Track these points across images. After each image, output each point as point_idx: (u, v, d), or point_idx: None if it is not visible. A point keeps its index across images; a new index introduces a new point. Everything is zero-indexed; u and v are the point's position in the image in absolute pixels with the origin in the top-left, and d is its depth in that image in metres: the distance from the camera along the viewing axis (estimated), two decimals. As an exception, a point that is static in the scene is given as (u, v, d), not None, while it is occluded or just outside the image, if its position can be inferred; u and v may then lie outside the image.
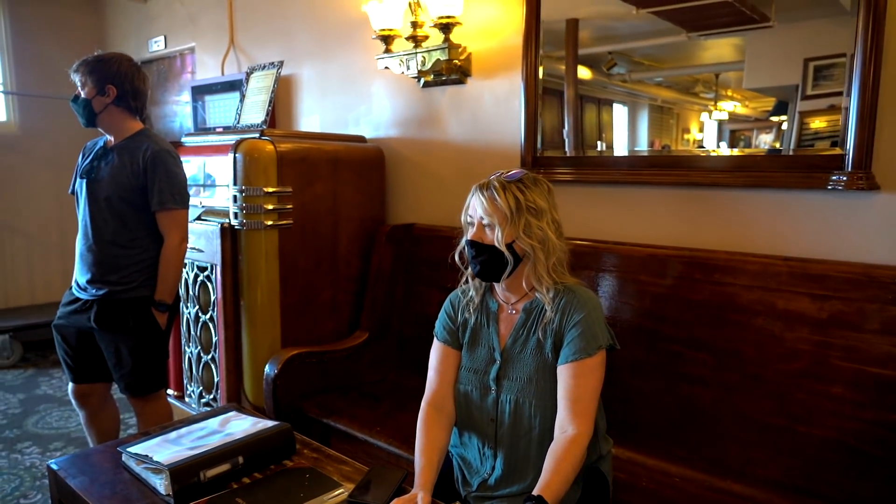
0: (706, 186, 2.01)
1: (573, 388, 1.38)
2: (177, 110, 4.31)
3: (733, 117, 2.03)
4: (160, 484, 1.40)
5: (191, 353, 2.75)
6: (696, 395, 1.90)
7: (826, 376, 1.70)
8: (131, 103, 2.19)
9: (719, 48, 2.07)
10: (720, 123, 2.07)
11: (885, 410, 1.62)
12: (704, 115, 2.10)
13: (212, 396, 2.67)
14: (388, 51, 2.62)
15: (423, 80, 2.68)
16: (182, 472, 1.37)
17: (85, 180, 2.19)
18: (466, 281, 1.59)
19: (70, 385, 2.34)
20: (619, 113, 2.35)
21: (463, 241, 1.53)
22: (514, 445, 1.48)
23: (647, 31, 2.19)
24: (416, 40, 2.51)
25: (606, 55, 2.28)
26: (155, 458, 1.43)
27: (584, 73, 2.33)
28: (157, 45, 4.25)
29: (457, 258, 1.58)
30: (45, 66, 4.56)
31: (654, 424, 1.96)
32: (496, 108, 2.50)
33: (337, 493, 1.36)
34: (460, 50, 2.48)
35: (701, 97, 2.10)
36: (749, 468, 1.79)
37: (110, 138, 2.23)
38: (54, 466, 1.54)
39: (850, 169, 1.72)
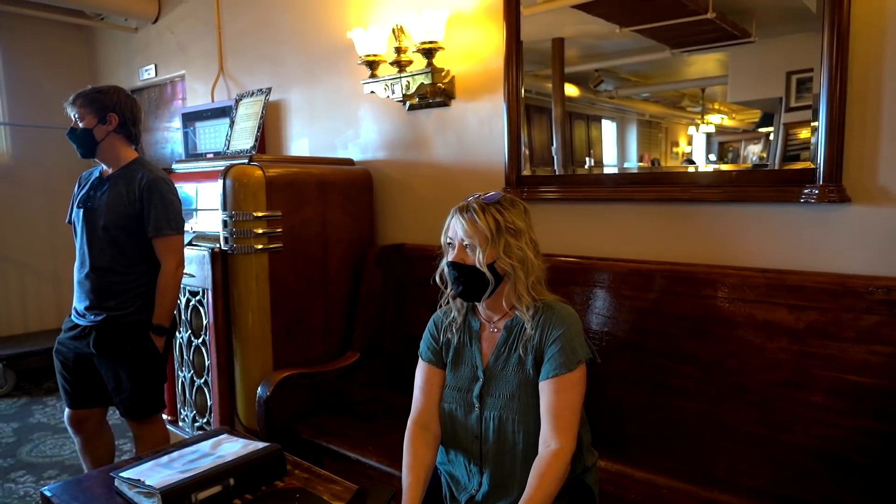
0: (687, 202, 2.06)
1: (555, 403, 1.41)
2: (168, 137, 4.36)
3: (721, 130, 2.07)
4: (152, 508, 1.42)
5: (184, 377, 2.77)
6: (681, 407, 1.93)
7: (806, 385, 1.74)
8: (131, 130, 2.26)
9: (704, 63, 2.12)
10: (708, 136, 2.11)
11: (864, 418, 1.65)
12: (692, 129, 2.15)
13: (205, 420, 2.68)
14: (373, 76, 2.68)
15: (408, 104, 2.74)
16: (174, 495, 1.39)
17: (82, 210, 2.23)
18: (448, 301, 1.63)
19: (66, 411, 2.36)
20: (608, 129, 2.40)
21: (443, 263, 1.57)
22: (500, 462, 1.50)
23: (631, 48, 2.25)
24: (400, 65, 2.57)
25: (593, 72, 2.33)
26: (147, 482, 1.45)
27: (571, 90, 2.38)
28: (148, 74, 4.31)
29: (437, 279, 1.61)
30: (37, 96, 4.63)
31: (640, 437, 1.99)
32: (480, 129, 2.56)
33: (326, 512, 1.38)
34: (443, 73, 2.54)
35: (688, 111, 2.15)
36: (735, 478, 1.82)
37: (106, 168, 2.28)
38: (48, 493, 1.56)
39: (821, 182, 1.77)
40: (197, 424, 2.72)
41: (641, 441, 1.99)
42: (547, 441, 1.39)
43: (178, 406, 2.84)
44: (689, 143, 2.16)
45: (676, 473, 1.90)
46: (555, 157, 2.42)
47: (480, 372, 1.53)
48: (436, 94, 2.60)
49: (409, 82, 2.54)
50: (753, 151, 2.04)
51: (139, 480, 1.48)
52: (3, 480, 2.92)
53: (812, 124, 1.81)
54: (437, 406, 1.58)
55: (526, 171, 2.42)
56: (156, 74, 4.27)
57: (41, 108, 4.62)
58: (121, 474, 1.54)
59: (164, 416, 2.88)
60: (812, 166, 1.79)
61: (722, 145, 2.11)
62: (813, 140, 1.80)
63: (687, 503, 1.81)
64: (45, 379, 4.42)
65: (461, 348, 1.59)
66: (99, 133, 2.20)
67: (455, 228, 1.49)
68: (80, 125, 2.20)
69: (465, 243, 1.48)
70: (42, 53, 4.68)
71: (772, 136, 1.98)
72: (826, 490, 1.69)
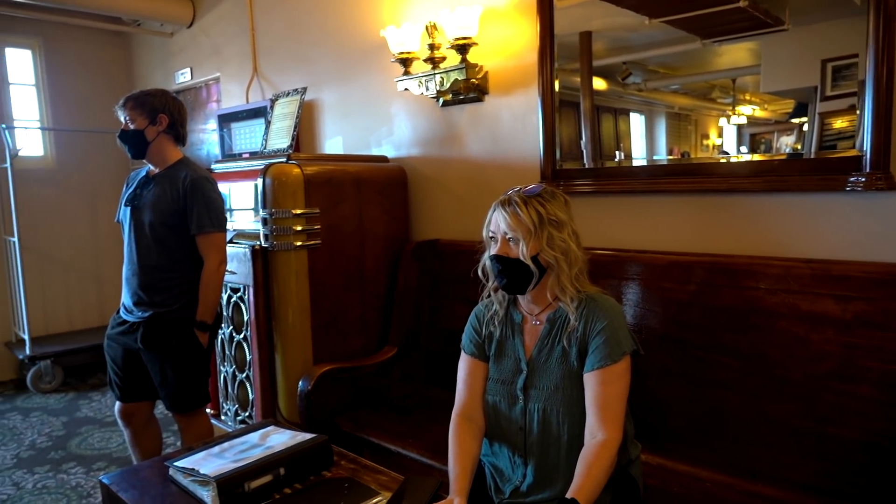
0: (725, 192, 2.04)
1: (601, 394, 1.42)
2: (204, 138, 4.45)
3: (752, 121, 2.05)
4: (207, 495, 1.46)
5: (226, 371, 2.84)
6: (723, 400, 1.92)
7: (853, 377, 1.71)
8: (179, 131, 2.34)
9: (735, 53, 2.09)
10: (739, 128, 2.09)
11: (914, 410, 1.62)
12: (723, 121, 2.12)
13: (247, 414, 2.74)
14: (406, 73, 2.70)
15: (441, 100, 2.76)
16: (228, 484, 1.43)
17: (129, 208, 2.30)
18: (489, 294, 1.64)
19: (117, 404, 2.44)
20: (636, 122, 2.39)
21: (486, 257, 1.58)
22: (544, 453, 1.51)
23: (660, 39, 2.23)
24: (433, 62, 2.59)
25: (621, 65, 2.32)
26: (202, 471, 1.50)
27: (599, 84, 2.37)
28: (184, 77, 4.41)
29: (479, 273, 1.63)
30: (78, 101, 4.77)
31: (682, 430, 1.98)
32: (514, 124, 2.56)
33: (375, 501, 1.41)
34: (477, 69, 2.55)
35: (719, 102, 2.12)
36: (779, 471, 1.80)
37: (153, 168, 2.34)
38: (106, 481, 1.62)
39: (868, 170, 1.74)
40: (239, 418, 2.78)
41: (682, 434, 1.98)
42: (594, 432, 1.40)
43: (221, 400, 2.91)
44: (720, 136, 2.14)
45: (719, 466, 1.89)
46: (584, 151, 2.41)
47: (524, 364, 1.55)
48: (469, 90, 2.61)
49: (443, 78, 2.56)
50: (786, 143, 2.01)
51: (194, 469, 1.52)
52: (56, 471, 3.03)
53: (857, 111, 1.77)
54: (480, 398, 1.60)
55: (563, 165, 2.42)
56: (191, 77, 4.36)
57: (82, 113, 4.77)
58: (175, 464, 1.60)
59: (207, 410, 2.95)
60: (858, 154, 1.76)
61: (753, 137, 2.08)
62: (859, 127, 1.77)
63: (731, 496, 1.79)
64: (90, 375, 4.56)
65: (504, 341, 1.60)
66: (150, 134, 2.27)
67: (497, 222, 1.51)
68: (132, 127, 2.26)
69: (507, 236, 1.49)
70: (82, 59, 4.82)
71: (806, 127, 1.95)
72: (873, 484, 1.66)
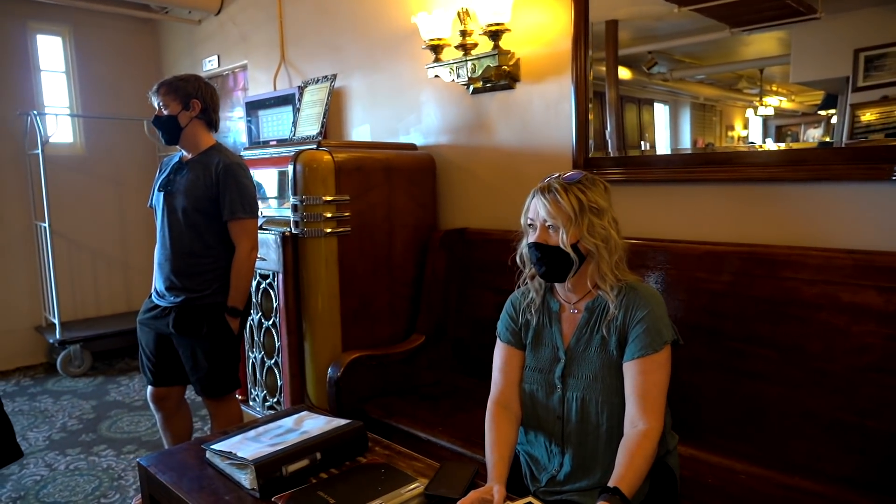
0: (762, 182, 2.01)
1: (641, 383, 1.41)
2: (230, 126, 4.47)
3: (779, 112, 2.01)
4: (245, 478, 1.47)
5: (254, 357, 2.86)
6: (759, 392, 1.89)
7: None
8: (212, 116, 2.35)
9: (763, 42, 2.05)
10: (765, 119, 2.05)
11: (959, 404, 1.59)
12: (749, 112, 2.09)
13: (275, 400, 2.76)
14: (437, 60, 2.68)
15: (472, 87, 2.74)
16: (266, 467, 1.44)
17: (162, 193, 2.32)
18: (525, 282, 1.63)
19: (149, 388, 2.47)
20: (660, 112, 2.35)
21: (524, 244, 1.57)
22: (583, 442, 1.50)
23: (688, 28, 2.19)
24: (465, 48, 2.57)
25: (646, 55, 2.28)
26: (239, 455, 1.51)
27: (624, 73, 2.34)
28: (211, 64, 4.43)
29: (517, 260, 1.61)
30: (107, 88, 4.82)
31: (716, 422, 1.96)
32: (546, 112, 2.54)
33: (413, 486, 1.41)
34: (509, 56, 2.53)
35: (745, 93, 2.08)
36: (818, 465, 1.78)
37: (186, 154, 2.36)
38: (144, 463, 1.64)
39: (915, 159, 1.70)
40: (267, 404, 2.81)
41: (717, 426, 1.95)
42: (634, 421, 1.39)
43: (249, 386, 2.93)
44: (745, 127, 2.10)
45: (755, 459, 1.87)
46: (609, 142, 2.39)
47: (562, 353, 1.53)
48: (500, 77, 2.59)
49: (474, 65, 2.54)
50: (813, 135, 1.97)
51: (231, 453, 1.54)
52: (88, 454, 3.08)
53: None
54: (517, 387, 1.59)
55: (595, 154, 2.40)
56: (218, 65, 4.38)
57: (111, 100, 4.81)
58: (212, 447, 1.61)
59: (237, 396, 2.98)
60: (904, 143, 1.72)
61: (779, 129, 2.04)
62: None
63: (767, 489, 1.77)
64: (118, 360, 4.63)
65: (541, 329, 1.59)
66: (183, 119, 2.28)
67: (537, 209, 1.49)
68: (165, 112, 2.27)
69: (547, 224, 1.47)
70: (110, 47, 4.86)
71: (834, 119, 1.90)
72: (917, 478, 1.63)
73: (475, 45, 2.58)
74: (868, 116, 1.85)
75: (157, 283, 2.38)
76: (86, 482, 2.80)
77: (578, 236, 1.45)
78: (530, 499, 1.36)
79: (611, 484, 1.28)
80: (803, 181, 1.93)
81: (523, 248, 1.57)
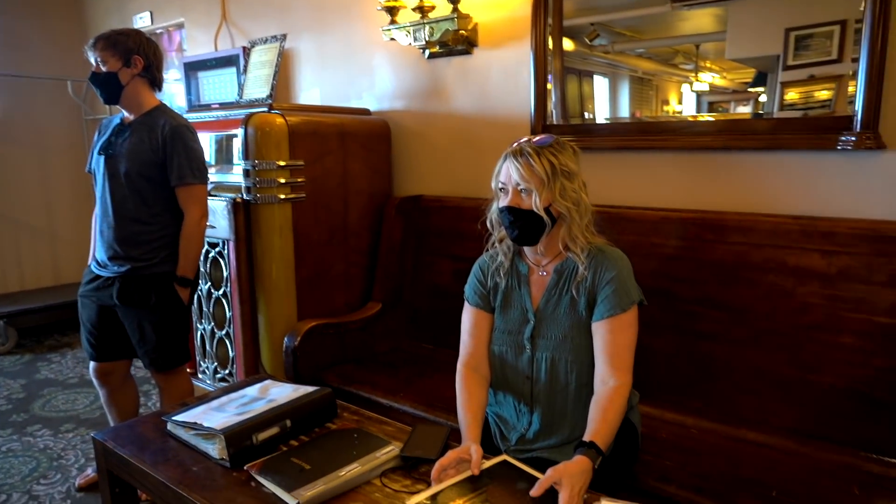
0: (718, 150, 2.07)
1: (611, 342, 1.44)
2: (164, 89, 4.23)
3: (713, 89, 2.07)
4: (213, 449, 1.43)
5: (203, 329, 2.76)
6: (710, 351, 1.99)
7: (836, 328, 1.79)
8: (156, 74, 2.20)
9: (700, 18, 2.09)
10: (699, 95, 2.11)
11: (892, 357, 1.71)
12: (685, 87, 2.14)
13: (227, 371, 2.69)
14: (393, 22, 2.62)
15: (428, 52, 2.69)
16: (236, 437, 1.40)
17: (103, 157, 2.17)
18: (493, 245, 1.63)
19: (91, 364, 2.34)
20: (601, 85, 2.38)
21: (494, 208, 1.57)
22: (551, 401, 1.54)
23: (630, 1, 2.22)
24: (422, 11, 2.51)
25: (588, 26, 2.30)
26: (206, 425, 1.46)
27: (567, 44, 2.35)
28: (143, 21, 4.15)
29: (487, 224, 1.61)
30: (25, 46, 4.44)
31: (670, 381, 2.05)
32: (504, 79, 2.53)
33: (388, 449, 1.41)
34: (468, 20, 2.49)
35: (681, 69, 2.14)
36: (763, 417, 1.89)
37: (128, 114, 2.21)
38: (100, 438, 1.56)
39: (858, 129, 1.79)
40: (219, 376, 2.73)
41: (671, 385, 2.04)
42: (605, 379, 1.43)
43: (198, 359, 2.84)
44: (680, 102, 2.16)
45: (705, 414, 1.97)
46: (553, 112, 2.41)
47: (531, 314, 1.55)
48: (458, 42, 2.55)
49: (432, 28, 2.49)
50: (742, 113, 2.04)
51: (197, 423, 1.48)
52: (21, 434, 2.92)
53: (838, 73, 1.82)
54: (485, 349, 1.61)
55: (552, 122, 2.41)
56: (151, 22, 4.11)
57: (28, 59, 4.45)
58: (174, 418, 1.55)
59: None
60: (850, 113, 1.81)
61: (712, 105, 2.11)
62: (838, 91, 1.82)
63: (715, 441, 1.87)
64: (47, 336, 4.38)
65: (510, 292, 1.60)
66: (124, 77, 2.13)
67: (509, 172, 1.49)
68: (104, 69, 2.12)
69: (520, 187, 1.47)
70: (27, 1, 4.48)
71: (764, 97, 1.98)
72: (853, 427, 1.76)
73: (433, 7, 2.52)
74: (793, 95, 1.94)
75: (99, 252, 2.25)
76: (21, 463, 2.65)
77: (551, 199, 1.46)
78: (504, 457, 1.39)
79: (586, 438, 1.32)
80: (756, 150, 2.00)
81: (494, 212, 1.57)
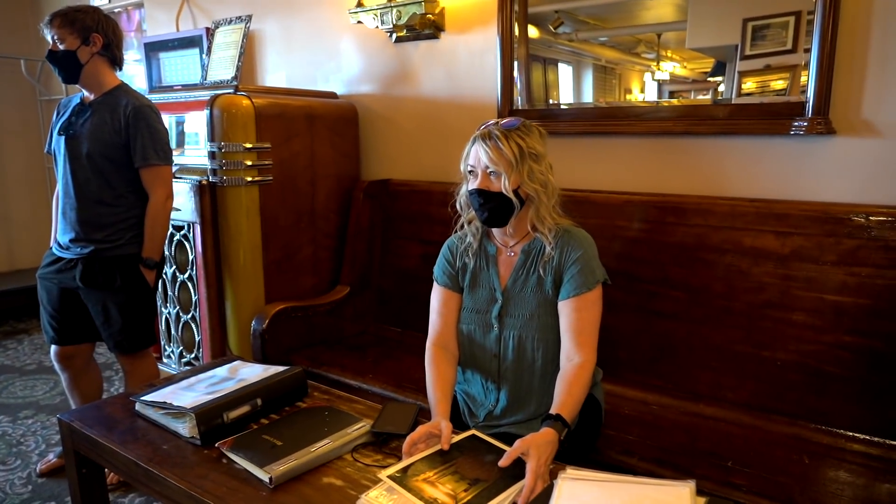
0: (678, 135, 2.13)
1: (577, 320, 1.49)
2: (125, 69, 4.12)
3: (673, 78, 2.12)
4: (183, 427, 1.43)
5: (168, 313, 2.73)
6: (670, 329, 2.06)
7: (788, 306, 1.87)
8: (115, 52, 2.15)
9: (662, 8, 2.14)
10: (660, 84, 2.16)
11: (841, 333, 1.80)
12: (647, 76, 2.18)
13: (193, 355, 2.67)
14: (360, 5, 2.61)
15: (395, 36, 2.69)
16: (206, 415, 1.41)
17: (63, 137, 2.12)
18: (462, 227, 1.66)
19: (53, 347, 2.30)
20: (565, 72, 2.42)
21: (463, 190, 1.59)
22: (518, 378, 1.58)
23: None
24: (390, -6, 2.51)
25: (553, 14, 2.33)
26: (176, 404, 1.46)
27: (531, 32, 2.38)
28: (100, 1, 4.03)
29: (458, 206, 1.64)
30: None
31: (632, 359, 2.11)
32: (471, 63, 2.55)
33: (359, 426, 1.43)
34: (435, 4, 2.50)
35: (643, 58, 2.18)
36: (720, 392, 1.97)
37: (88, 94, 2.16)
38: (66, 419, 1.54)
39: (810, 115, 1.87)
40: (184, 360, 2.70)
41: (632, 363, 2.11)
42: (570, 355, 1.47)
43: (163, 343, 2.80)
44: (642, 91, 2.20)
45: (665, 391, 2.04)
46: (518, 99, 2.44)
47: (499, 294, 1.59)
48: (425, 26, 2.56)
49: (400, 12, 2.49)
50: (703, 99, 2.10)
51: (166, 402, 1.48)
52: (-22, 422, 2.85)
53: (792, 62, 1.89)
54: (454, 328, 1.64)
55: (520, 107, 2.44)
56: (109, 1, 4.00)
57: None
58: (142, 398, 1.54)
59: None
60: (802, 100, 1.89)
61: (672, 94, 2.17)
62: (793, 78, 1.90)
63: (674, 416, 1.95)
64: (2, 323, 4.25)
65: (478, 272, 1.63)
66: (83, 55, 2.08)
67: (478, 155, 1.51)
68: (61, 47, 2.07)
69: (489, 170, 1.50)
70: (-24, -25, 4.30)
71: (722, 87, 2.05)
72: (804, 400, 1.85)
73: (400, -10, 2.52)
74: (749, 85, 2.01)
75: (60, 234, 2.20)
76: (-21, 451, 2.59)
77: (519, 181, 1.49)
78: (473, 431, 1.43)
79: (552, 411, 1.37)
80: (714, 135, 2.07)
81: (463, 195, 1.60)
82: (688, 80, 2.14)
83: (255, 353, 2.37)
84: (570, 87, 2.40)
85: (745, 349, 1.94)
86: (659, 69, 2.15)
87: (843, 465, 1.66)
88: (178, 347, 2.72)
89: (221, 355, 2.51)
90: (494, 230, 1.63)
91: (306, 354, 2.42)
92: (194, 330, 2.63)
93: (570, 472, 1.19)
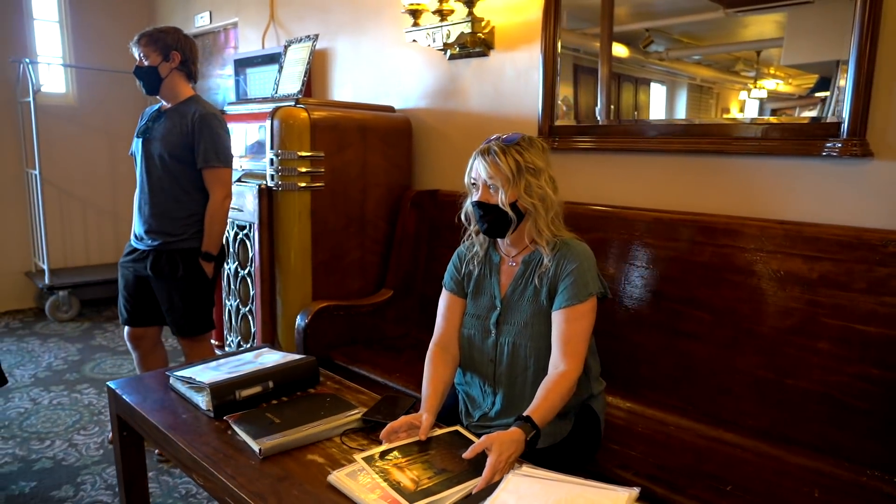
0: (712, 154, 2.11)
1: (565, 331, 1.53)
2: (220, 83, 4.54)
3: (774, 95, 2.03)
4: (202, 400, 1.61)
5: (230, 305, 2.99)
6: (693, 350, 2.03)
7: (814, 333, 1.80)
8: (191, 68, 2.44)
9: (761, 25, 2.08)
10: (761, 102, 2.07)
11: (867, 365, 1.72)
12: (743, 94, 2.10)
13: (249, 345, 2.90)
14: (415, 24, 2.76)
15: (448, 53, 2.82)
16: (220, 390, 1.58)
17: (141, 140, 2.42)
18: (470, 236, 1.75)
19: (126, 328, 2.60)
20: (658, 92, 2.35)
21: (468, 202, 1.69)
22: (512, 383, 1.64)
23: (684, 7, 2.20)
24: (442, 14, 2.64)
25: (643, 32, 2.29)
26: (198, 379, 1.64)
27: (620, 50, 2.34)
28: (203, 21, 4.47)
29: (463, 217, 1.73)
30: (99, 39, 4.86)
31: (653, 377, 2.10)
32: (516, 80, 2.62)
33: (353, 413, 1.55)
34: (483, 23, 2.60)
35: (742, 75, 2.10)
36: (740, 418, 1.91)
37: (165, 103, 2.45)
38: (113, 386, 1.77)
39: (845, 136, 1.80)
40: (242, 349, 2.94)
41: (653, 381, 2.09)
42: (556, 364, 1.52)
43: (225, 332, 3.07)
44: (741, 110, 2.12)
45: (684, 412, 2.00)
46: (598, 119, 2.39)
47: (498, 301, 1.66)
48: (476, 44, 2.67)
49: (449, 31, 2.61)
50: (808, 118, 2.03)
51: (191, 378, 1.67)
52: (71, 391, 3.23)
53: (840, 83, 1.82)
54: (456, 331, 1.72)
55: (560, 122, 2.48)
56: (210, 21, 4.42)
57: (103, 51, 4.86)
58: (175, 373, 1.74)
59: (213, 342, 3.12)
60: (837, 121, 1.82)
61: (774, 112, 2.07)
62: (832, 97, 1.82)
63: (690, 438, 1.91)
64: (106, 306, 4.77)
65: (482, 280, 1.71)
66: (163, 70, 2.37)
67: (478, 170, 1.60)
68: (146, 63, 2.36)
69: (488, 184, 1.58)
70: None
71: (828, 102, 1.94)
72: (825, 432, 1.77)
73: (451, 11, 2.65)
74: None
75: (137, 226, 2.50)
76: (67, 416, 2.95)
77: (516, 196, 1.56)
78: (457, 427, 1.50)
79: (525, 413, 1.42)
80: (747, 154, 2.03)
81: (468, 207, 1.69)
82: (793, 96, 2.03)
83: (297, 346, 2.56)
84: (662, 107, 2.32)
85: (768, 375, 1.88)
86: (756, 87, 2.07)
87: (853, 501, 1.58)
88: (237, 337, 2.97)
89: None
90: (498, 240, 1.70)
91: (344, 351, 2.58)
92: (251, 322, 2.86)
93: (525, 469, 1.24)
